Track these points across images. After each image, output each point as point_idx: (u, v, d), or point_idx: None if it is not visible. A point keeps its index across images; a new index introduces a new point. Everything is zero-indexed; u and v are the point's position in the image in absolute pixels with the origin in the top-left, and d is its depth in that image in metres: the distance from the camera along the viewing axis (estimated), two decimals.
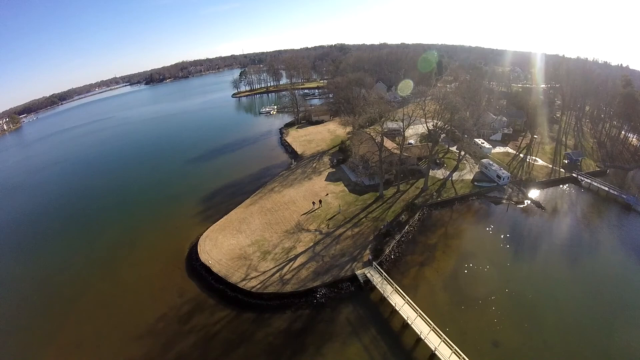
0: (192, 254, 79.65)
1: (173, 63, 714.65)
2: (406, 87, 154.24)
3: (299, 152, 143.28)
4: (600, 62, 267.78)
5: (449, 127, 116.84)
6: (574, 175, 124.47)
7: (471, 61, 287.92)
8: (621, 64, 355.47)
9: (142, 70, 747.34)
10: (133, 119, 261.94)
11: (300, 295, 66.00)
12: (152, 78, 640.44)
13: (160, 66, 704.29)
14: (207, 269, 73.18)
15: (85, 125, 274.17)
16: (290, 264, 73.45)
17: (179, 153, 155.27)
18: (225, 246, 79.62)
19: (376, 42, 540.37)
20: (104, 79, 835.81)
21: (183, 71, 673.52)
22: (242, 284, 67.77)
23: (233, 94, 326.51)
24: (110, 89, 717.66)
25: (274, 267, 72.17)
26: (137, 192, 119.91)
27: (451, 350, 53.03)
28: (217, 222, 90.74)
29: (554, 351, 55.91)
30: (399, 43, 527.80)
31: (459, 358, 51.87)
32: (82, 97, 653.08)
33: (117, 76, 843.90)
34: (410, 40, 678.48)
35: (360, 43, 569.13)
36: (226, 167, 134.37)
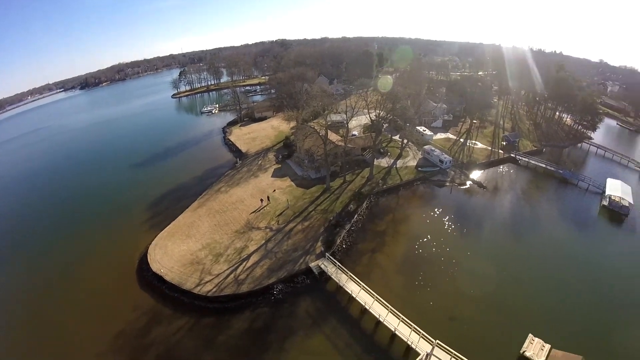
0: (143, 265, 76.51)
1: (109, 66, 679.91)
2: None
3: (243, 151, 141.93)
4: (534, 49, 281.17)
5: (391, 117, 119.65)
6: (512, 155, 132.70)
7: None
8: (554, 51, 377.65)
9: (76, 75, 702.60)
10: (70, 127, 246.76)
11: (257, 293, 66.05)
12: (88, 82, 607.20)
13: (95, 69, 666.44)
14: (160, 279, 70.77)
15: (19, 138, 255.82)
16: (244, 263, 73.14)
17: (119, 160, 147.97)
18: (176, 253, 77.65)
19: (317, 37, 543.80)
20: (37, 87, 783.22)
21: (120, 73, 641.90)
22: (197, 290, 66.56)
23: (173, 95, 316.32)
24: (44, 97, 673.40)
25: (228, 269, 71.51)
26: (78, 206, 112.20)
27: (410, 328, 55.74)
28: (165, 229, 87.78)
29: (506, 319, 60.44)
30: (340, 37, 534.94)
31: (419, 335, 54.63)
32: (13, 107, 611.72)
33: (50, 82, 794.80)
34: (351, 33, 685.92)
35: (302, 38, 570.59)
36: (170, 171, 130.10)
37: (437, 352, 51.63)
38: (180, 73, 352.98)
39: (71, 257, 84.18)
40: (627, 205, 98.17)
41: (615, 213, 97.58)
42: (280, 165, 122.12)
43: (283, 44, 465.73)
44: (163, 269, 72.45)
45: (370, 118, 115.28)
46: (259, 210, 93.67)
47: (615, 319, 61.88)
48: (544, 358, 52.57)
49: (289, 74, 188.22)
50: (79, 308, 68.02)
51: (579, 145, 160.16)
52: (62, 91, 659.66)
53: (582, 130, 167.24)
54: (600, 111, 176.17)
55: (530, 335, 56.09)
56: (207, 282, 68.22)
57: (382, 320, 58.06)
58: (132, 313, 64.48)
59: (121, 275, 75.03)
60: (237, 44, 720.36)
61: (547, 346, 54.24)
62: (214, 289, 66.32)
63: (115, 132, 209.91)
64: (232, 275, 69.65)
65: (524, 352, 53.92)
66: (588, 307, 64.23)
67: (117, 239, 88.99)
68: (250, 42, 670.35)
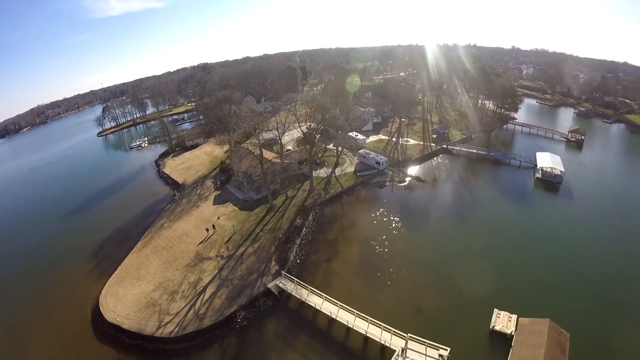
0: (96, 317, 71.38)
1: (28, 109, 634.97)
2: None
3: (180, 182, 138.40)
4: (450, 45, 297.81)
5: (322, 127, 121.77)
6: (444, 146, 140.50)
7: (333, 62, 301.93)
8: (469, 44, 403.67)
9: None
10: None
11: (221, 325, 64.95)
12: (7, 130, 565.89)
13: (14, 115, 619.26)
14: (118, 328, 66.93)
15: None
16: (201, 296, 71.76)
17: (50, 210, 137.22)
18: (129, 298, 74.28)
19: (239, 57, 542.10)
20: None
21: (40, 116, 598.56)
22: (158, 333, 64.11)
23: (98, 133, 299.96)
24: None
25: (186, 306, 69.75)
26: (12, 267, 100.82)
27: (380, 328, 57.48)
28: (113, 275, 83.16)
29: (469, 300, 64.02)
30: (262, 54, 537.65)
31: (390, 332, 56.43)
32: None
33: None
34: (272, 50, 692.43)
35: (224, 60, 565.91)
36: (107, 214, 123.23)
37: (411, 344, 54.02)
38: (103, 109, 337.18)
39: (15, 324, 75.22)
40: (559, 173, 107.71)
41: (549, 183, 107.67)
42: (220, 192, 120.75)
43: (205, 67, 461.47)
44: (119, 318, 68.90)
45: (302, 131, 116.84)
46: (207, 240, 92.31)
47: (568, 279, 68.29)
48: (514, 328, 56.29)
49: (216, 98, 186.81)
50: None
51: (505, 126, 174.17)
52: None
53: (505, 112, 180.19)
54: (519, 93, 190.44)
55: (495, 310, 60.18)
56: (167, 323, 66.00)
57: (351, 327, 59.55)
58: None
59: (76, 333, 69.45)
60: (159, 72, 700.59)
61: (514, 316, 58.44)
62: (176, 329, 64.42)
63: (41, 180, 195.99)
64: (191, 311, 68.02)
65: (493, 326, 57.75)
66: (541, 273, 70.32)
67: (63, 294, 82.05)
68: (172, 70, 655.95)
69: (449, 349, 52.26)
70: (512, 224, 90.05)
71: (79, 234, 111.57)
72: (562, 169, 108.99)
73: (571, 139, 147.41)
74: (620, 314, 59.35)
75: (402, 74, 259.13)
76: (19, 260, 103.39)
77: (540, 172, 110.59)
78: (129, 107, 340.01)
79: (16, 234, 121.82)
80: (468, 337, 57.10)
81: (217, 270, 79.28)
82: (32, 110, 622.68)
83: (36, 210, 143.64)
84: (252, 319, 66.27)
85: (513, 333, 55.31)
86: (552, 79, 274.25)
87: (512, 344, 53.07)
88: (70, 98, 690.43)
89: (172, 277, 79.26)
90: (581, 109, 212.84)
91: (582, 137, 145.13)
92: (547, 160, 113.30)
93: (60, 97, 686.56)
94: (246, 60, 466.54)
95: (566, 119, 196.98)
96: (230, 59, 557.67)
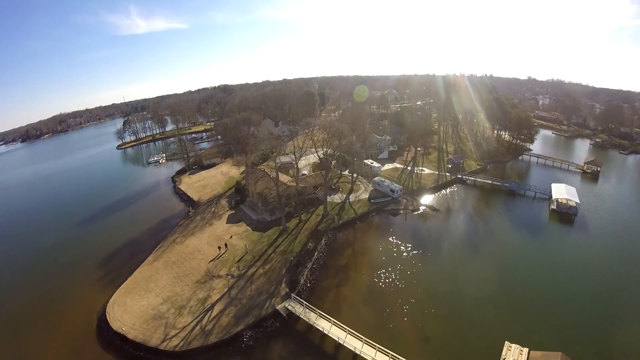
0: (102, 325, 71.78)
1: (50, 116, 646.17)
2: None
3: (195, 199, 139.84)
4: (466, 75, 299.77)
5: (338, 153, 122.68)
6: (459, 176, 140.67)
7: (350, 89, 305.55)
8: (485, 74, 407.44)
9: (17, 127, 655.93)
10: (8, 183, 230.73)
11: (226, 343, 64.48)
12: (29, 134, 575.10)
13: (36, 120, 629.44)
14: (123, 338, 66.97)
15: None
16: (209, 313, 71.53)
17: (65, 217, 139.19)
18: (136, 309, 74.46)
19: (259, 80, 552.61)
20: None
21: (62, 124, 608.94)
22: (163, 346, 63.94)
23: (118, 146, 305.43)
24: None
25: (192, 321, 69.55)
26: (21, 270, 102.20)
27: (388, 356, 56.58)
28: (122, 286, 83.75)
29: (479, 332, 62.93)
30: (281, 79, 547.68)
31: None
32: None
33: None
34: (291, 75, 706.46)
35: (244, 82, 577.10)
36: (121, 225, 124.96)
37: None
38: (124, 122, 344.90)
39: (21, 325, 76.15)
40: (574, 205, 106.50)
41: (565, 214, 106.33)
42: (234, 211, 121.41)
43: (226, 89, 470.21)
44: (125, 327, 69.05)
45: (318, 156, 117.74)
46: (218, 258, 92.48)
47: (582, 312, 67.14)
48: None
49: (235, 119, 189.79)
50: None
51: (520, 157, 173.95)
52: (2, 144, 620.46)
53: (521, 143, 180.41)
54: (535, 124, 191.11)
55: (506, 342, 58.62)
56: (172, 336, 65.85)
57: (358, 353, 58.71)
58: None
59: (80, 339, 69.76)
60: (180, 91, 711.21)
61: (525, 350, 56.64)
62: (181, 343, 64.19)
63: (59, 187, 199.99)
64: (198, 327, 67.80)
65: (504, 359, 55.71)
66: (554, 306, 68.88)
67: (71, 301, 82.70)
68: (192, 89, 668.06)
69: None
70: (525, 256, 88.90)
71: (92, 242, 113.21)
72: (578, 201, 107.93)
73: (587, 171, 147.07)
74: (633, 352, 57.76)
75: (418, 102, 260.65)
76: (30, 263, 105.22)
77: (556, 203, 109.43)
78: (149, 122, 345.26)
79: (29, 238, 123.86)
80: None
81: (226, 289, 79.14)
82: (54, 118, 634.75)
83: (50, 215, 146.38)
84: (258, 339, 65.72)
85: None
86: (567, 109, 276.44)
87: None
88: (92, 109, 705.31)
89: (181, 292, 79.33)
90: (597, 140, 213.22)
91: (598, 169, 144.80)
92: (563, 192, 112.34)
93: (82, 108, 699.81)
94: (266, 84, 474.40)
95: (582, 150, 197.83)
96: (250, 82, 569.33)
